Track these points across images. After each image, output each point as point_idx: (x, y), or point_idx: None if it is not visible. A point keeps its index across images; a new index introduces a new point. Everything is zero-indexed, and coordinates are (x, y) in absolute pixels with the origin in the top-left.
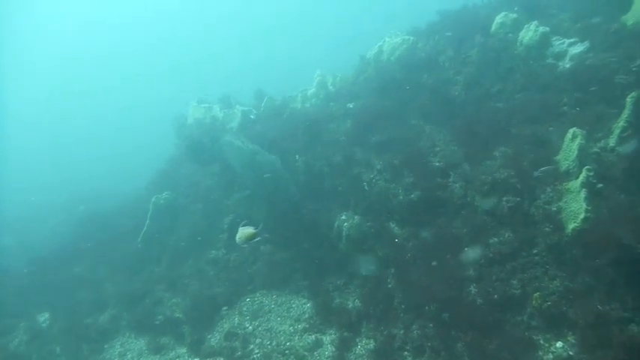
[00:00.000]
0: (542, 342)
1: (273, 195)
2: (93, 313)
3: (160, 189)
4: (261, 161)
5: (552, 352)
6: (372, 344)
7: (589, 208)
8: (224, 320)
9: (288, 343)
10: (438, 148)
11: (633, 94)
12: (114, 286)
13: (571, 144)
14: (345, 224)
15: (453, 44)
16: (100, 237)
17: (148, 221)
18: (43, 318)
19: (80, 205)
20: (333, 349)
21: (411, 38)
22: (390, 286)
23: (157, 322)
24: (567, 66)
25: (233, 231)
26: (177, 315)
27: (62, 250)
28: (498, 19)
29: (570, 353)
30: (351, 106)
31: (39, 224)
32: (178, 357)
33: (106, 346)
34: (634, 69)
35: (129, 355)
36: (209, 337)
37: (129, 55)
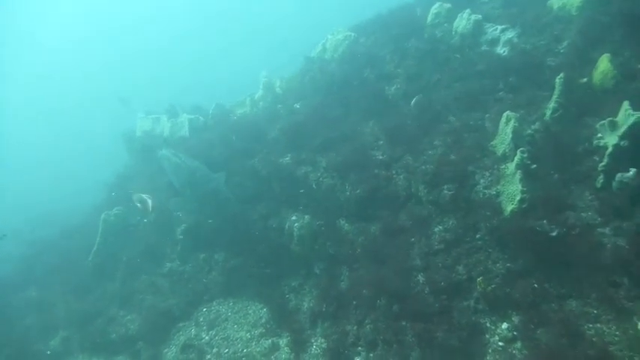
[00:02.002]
0: (488, 325)
1: (216, 211)
2: (43, 338)
3: (111, 205)
4: (200, 179)
5: (498, 334)
6: (326, 343)
7: (524, 189)
8: (180, 332)
9: (245, 350)
10: (381, 142)
11: (562, 75)
12: (65, 308)
13: (505, 127)
14: (296, 225)
15: (393, 38)
16: (51, 260)
17: (98, 239)
18: None
19: (32, 231)
20: (289, 352)
21: (353, 34)
22: (342, 283)
23: (111, 340)
24: (501, 52)
25: (186, 242)
26: (132, 332)
27: (8, 278)
28: (433, 9)
29: (515, 333)
30: (297, 106)
31: None
32: None
33: None
34: (562, 51)
35: None
36: (165, 351)
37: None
